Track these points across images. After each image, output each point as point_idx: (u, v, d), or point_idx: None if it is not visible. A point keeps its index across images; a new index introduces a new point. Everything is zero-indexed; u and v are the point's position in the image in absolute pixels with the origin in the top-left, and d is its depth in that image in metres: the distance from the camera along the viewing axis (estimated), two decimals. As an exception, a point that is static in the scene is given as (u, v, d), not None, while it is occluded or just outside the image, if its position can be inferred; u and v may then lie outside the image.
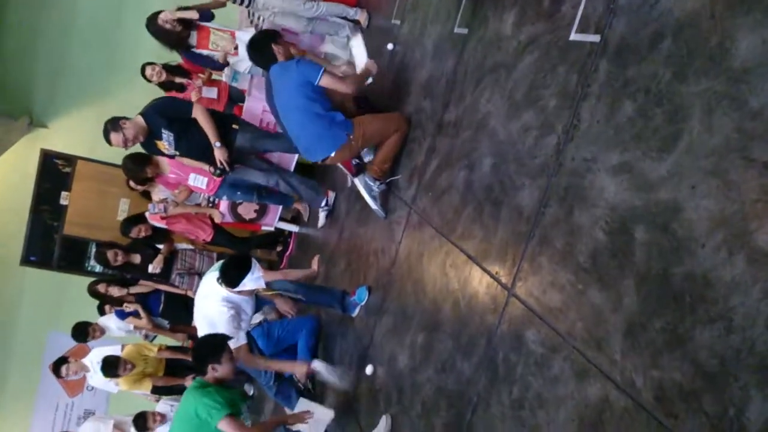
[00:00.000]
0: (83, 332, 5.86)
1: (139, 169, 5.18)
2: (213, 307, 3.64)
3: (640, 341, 1.85)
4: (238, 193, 5.27)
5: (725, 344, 1.60)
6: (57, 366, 5.88)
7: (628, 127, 2.07)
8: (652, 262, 1.87)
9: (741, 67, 1.72)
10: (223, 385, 3.34)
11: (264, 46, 3.80)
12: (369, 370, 3.65)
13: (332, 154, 3.74)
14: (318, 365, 3.88)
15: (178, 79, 5.65)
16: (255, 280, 3.54)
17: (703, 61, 1.84)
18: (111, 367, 5.36)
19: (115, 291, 5.66)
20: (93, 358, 5.89)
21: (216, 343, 3.31)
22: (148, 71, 5.61)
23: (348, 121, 3.70)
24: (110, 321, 5.95)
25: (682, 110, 1.87)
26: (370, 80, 4.11)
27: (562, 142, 2.39)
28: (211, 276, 3.75)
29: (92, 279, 6.94)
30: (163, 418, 5.37)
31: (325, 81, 3.60)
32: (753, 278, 1.56)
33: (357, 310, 4.02)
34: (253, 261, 3.61)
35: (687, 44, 1.92)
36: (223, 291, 3.64)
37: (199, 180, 5.07)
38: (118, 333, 6.12)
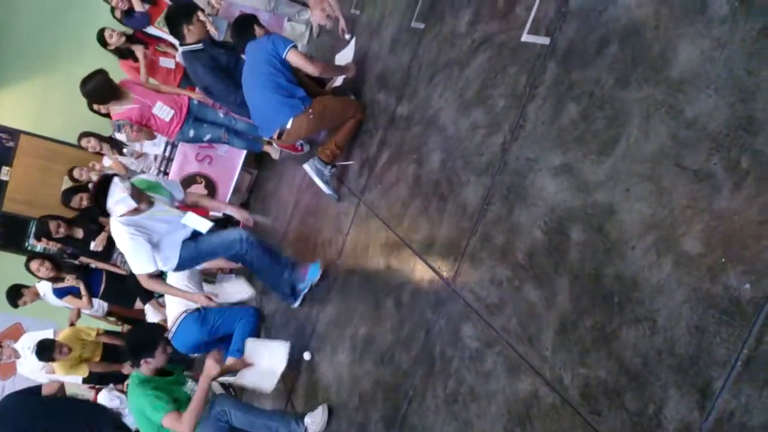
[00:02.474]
0: (16, 294, 5.62)
1: (98, 103, 4.95)
2: (120, 236, 3.43)
3: (570, 339, 1.89)
4: (205, 126, 4.94)
5: (649, 344, 1.65)
6: None
7: (570, 129, 2.11)
8: (586, 262, 1.91)
9: (679, 77, 1.77)
10: (160, 373, 3.33)
11: (247, 26, 3.88)
12: (307, 356, 3.64)
13: (288, 125, 3.67)
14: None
15: (134, 47, 5.48)
16: (121, 202, 3.25)
17: (645, 69, 1.89)
18: (46, 350, 5.17)
19: (44, 272, 5.41)
20: (25, 344, 5.68)
21: (148, 338, 3.28)
22: (107, 33, 5.41)
23: (308, 97, 3.70)
24: (48, 287, 5.73)
25: (622, 115, 1.92)
26: (340, 80, 4.14)
27: (508, 141, 2.42)
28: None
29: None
30: (120, 415, 5.25)
31: (291, 56, 3.63)
32: (678, 281, 1.62)
33: (300, 298, 3.96)
34: (113, 181, 3.29)
35: (631, 51, 1.96)
36: (115, 222, 3.42)
37: (165, 111, 4.84)
38: (54, 302, 5.91)
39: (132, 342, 3.29)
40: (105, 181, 3.30)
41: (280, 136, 3.79)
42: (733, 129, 1.59)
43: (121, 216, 3.32)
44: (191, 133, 4.96)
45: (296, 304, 3.97)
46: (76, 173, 6.02)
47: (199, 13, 4.18)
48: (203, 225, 3.57)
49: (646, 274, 1.70)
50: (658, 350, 1.62)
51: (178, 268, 3.58)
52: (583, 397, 1.81)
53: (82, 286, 5.50)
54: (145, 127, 4.80)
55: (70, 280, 5.49)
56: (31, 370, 5.78)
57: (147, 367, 3.29)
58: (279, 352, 3.65)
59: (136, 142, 5.39)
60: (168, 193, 3.69)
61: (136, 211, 3.34)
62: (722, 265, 1.52)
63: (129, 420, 5.30)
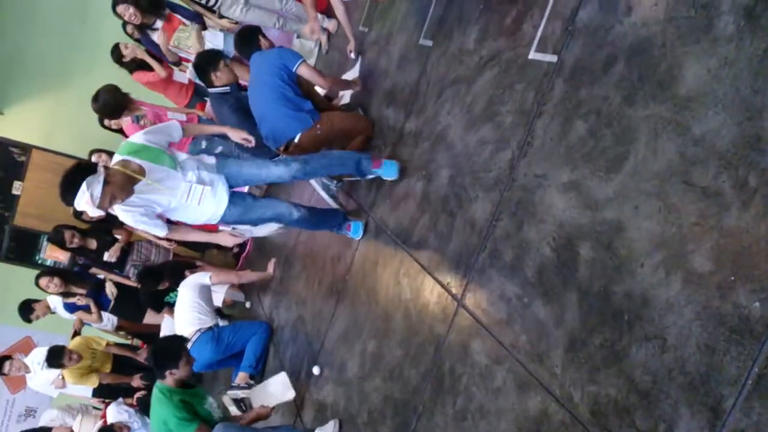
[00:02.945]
0: (28, 309, 5.67)
1: (109, 116, 4.92)
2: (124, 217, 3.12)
3: (580, 356, 1.89)
4: (216, 139, 4.88)
5: (659, 362, 1.65)
6: None
7: (578, 146, 2.12)
8: (595, 279, 1.91)
9: (686, 95, 1.79)
10: (184, 386, 3.37)
11: (252, 37, 3.91)
12: (316, 370, 3.64)
13: (296, 139, 3.68)
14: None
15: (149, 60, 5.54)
16: (86, 208, 2.81)
17: (652, 87, 1.90)
18: (56, 356, 5.21)
19: (53, 287, 5.46)
20: (34, 359, 5.73)
21: (173, 349, 3.28)
22: (122, 45, 5.46)
23: (316, 111, 3.70)
24: (59, 300, 5.77)
25: (630, 133, 1.93)
26: (348, 97, 4.17)
27: (516, 158, 2.43)
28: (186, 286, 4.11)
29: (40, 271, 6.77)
30: (128, 429, 5.26)
31: (302, 70, 3.64)
32: (687, 299, 1.62)
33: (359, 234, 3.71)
34: (81, 188, 2.75)
35: (638, 69, 1.98)
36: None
37: (177, 117, 4.91)
38: (65, 315, 5.95)
39: (157, 353, 3.29)
40: (80, 172, 2.80)
41: (287, 148, 3.79)
42: (740, 147, 1.60)
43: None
44: (203, 144, 5.03)
45: (359, 235, 3.66)
46: (94, 158, 5.97)
47: (223, 61, 4.22)
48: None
49: (656, 292, 1.70)
50: (668, 368, 1.62)
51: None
52: (593, 414, 1.80)
53: (92, 304, 5.54)
54: None
55: (80, 300, 5.53)
56: (41, 385, 5.82)
57: (172, 378, 3.29)
58: (281, 385, 3.65)
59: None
60: (162, 153, 3.09)
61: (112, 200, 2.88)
62: (731, 283, 1.52)
63: None
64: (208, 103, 5.09)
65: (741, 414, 1.44)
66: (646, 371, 1.67)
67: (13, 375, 5.90)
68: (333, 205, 3.99)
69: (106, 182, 2.78)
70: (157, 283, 5.10)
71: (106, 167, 2.87)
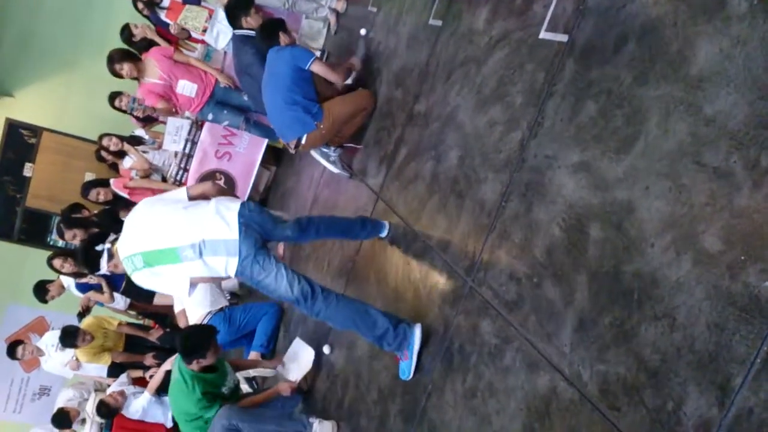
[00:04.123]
0: (43, 290, 5.74)
1: (120, 59, 4.90)
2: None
3: (589, 335, 1.90)
4: (225, 112, 5.12)
5: (668, 342, 1.66)
6: (12, 348, 5.76)
7: (589, 126, 2.12)
8: (604, 259, 1.92)
9: (698, 75, 1.78)
10: (208, 370, 3.44)
11: (273, 32, 3.94)
12: (326, 349, 3.69)
13: (303, 140, 3.86)
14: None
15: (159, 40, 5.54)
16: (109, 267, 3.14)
17: (664, 67, 1.89)
18: (69, 337, 5.28)
19: (67, 267, 5.53)
20: (48, 341, 5.80)
21: (200, 340, 3.32)
22: (132, 25, 5.44)
23: (320, 111, 3.80)
24: (72, 279, 5.83)
25: (641, 113, 1.92)
26: (350, 78, 4.19)
27: (526, 139, 2.43)
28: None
29: (53, 252, 6.83)
30: (123, 394, 5.32)
31: (315, 67, 3.74)
32: (697, 279, 1.62)
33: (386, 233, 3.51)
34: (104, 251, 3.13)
35: (649, 49, 1.97)
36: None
37: (188, 87, 4.93)
38: (78, 294, 6.02)
39: (185, 344, 3.31)
40: (93, 240, 3.21)
41: (296, 146, 3.95)
42: (752, 127, 1.59)
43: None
44: (210, 116, 5.08)
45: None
46: (105, 141, 6.03)
47: (255, 7, 4.32)
48: None
49: (666, 272, 1.71)
50: (677, 347, 1.63)
51: None
52: (602, 393, 1.82)
53: (104, 283, 5.59)
54: (166, 102, 4.93)
55: (92, 279, 5.58)
56: (55, 367, 5.90)
57: (198, 365, 3.35)
58: (300, 350, 3.76)
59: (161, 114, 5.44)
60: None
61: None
62: (742, 263, 1.53)
63: (133, 410, 5.37)
64: (228, 59, 5.07)
65: (749, 392, 1.46)
66: (655, 350, 1.69)
67: (26, 359, 5.97)
68: (335, 170, 4.11)
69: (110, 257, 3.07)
70: None
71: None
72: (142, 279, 2.88)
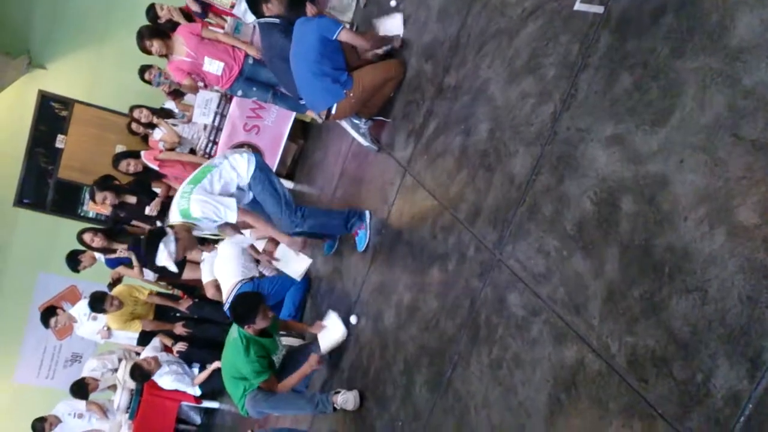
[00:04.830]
0: (75, 260, 5.88)
1: (150, 36, 4.95)
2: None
3: (618, 308, 1.91)
4: (254, 89, 5.17)
5: (699, 314, 1.66)
6: (46, 317, 5.89)
7: (623, 99, 2.10)
8: (636, 232, 1.91)
9: (738, 46, 1.75)
10: (264, 334, 3.60)
11: (300, 3, 3.96)
12: (353, 319, 3.74)
13: (333, 110, 3.89)
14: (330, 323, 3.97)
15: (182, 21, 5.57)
16: (167, 259, 3.43)
17: (702, 38, 1.86)
18: (98, 302, 5.40)
19: (97, 242, 5.65)
20: (80, 310, 5.94)
21: (249, 307, 3.45)
22: (158, 7, 5.48)
23: (349, 79, 3.81)
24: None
25: (678, 86, 1.90)
26: (385, 48, 4.18)
27: (559, 111, 2.41)
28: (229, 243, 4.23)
29: (84, 224, 6.99)
30: (156, 360, 5.46)
31: (343, 36, 3.74)
32: (730, 252, 1.62)
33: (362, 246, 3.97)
34: (162, 241, 3.40)
35: (687, 20, 1.93)
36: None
37: (215, 65, 4.97)
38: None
39: (236, 309, 3.48)
40: (155, 236, 3.43)
41: (327, 116, 3.97)
42: (793, 99, 1.57)
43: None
44: (239, 92, 5.11)
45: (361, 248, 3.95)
46: (135, 113, 6.14)
47: None
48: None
49: (699, 245, 1.70)
50: (708, 320, 1.63)
51: None
52: (630, 365, 1.83)
53: (133, 257, 5.69)
54: (193, 79, 4.97)
55: (122, 252, 5.69)
56: (88, 333, 6.05)
57: (251, 329, 3.51)
58: (334, 325, 3.86)
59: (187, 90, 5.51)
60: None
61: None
62: (777, 236, 1.52)
63: (164, 381, 5.50)
64: (257, 33, 5.08)
65: (781, 365, 1.45)
66: (686, 323, 1.69)
67: (59, 328, 6.12)
68: (364, 143, 4.13)
69: (176, 239, 3.42)
70: None
71: (171, 227, 3.50)
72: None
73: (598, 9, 2.32)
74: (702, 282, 1.67)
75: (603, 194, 2.08)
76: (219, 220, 3.54)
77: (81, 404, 6.22)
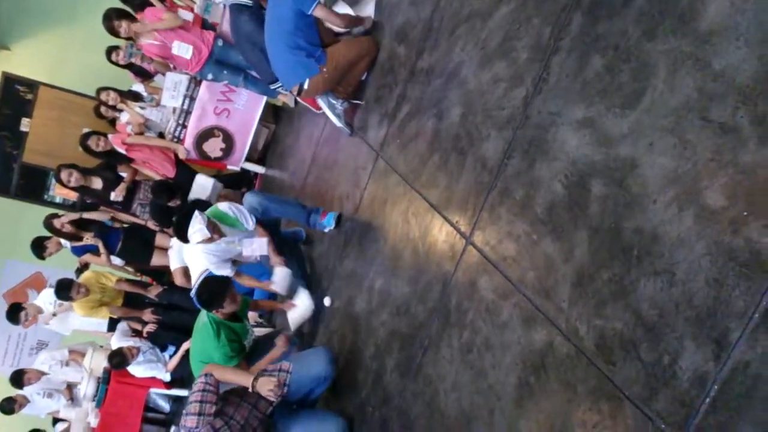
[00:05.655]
0: (41, 246, 5.74)
1: (118, 17, 4.85)
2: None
3: (587, 291, 1.91)
4: (225, 72, 5.11)
5: (666, 297, 1.67)
6: (13, 315, 5.75)
7: (595, 82, 2.09)
8: (606, 215, 1.91)
9: (708, 29, 1.74)
10: (233, 318, 3.51)
11: None
12: (327, 301, 3.71)
13: (305, 86, 3.84)
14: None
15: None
16: (198, 231, 3.51)
17: (673, 21, 1.86)
18: (64, 289, 5.29)
19: (67, 228, 5.54)
20: (46, 299, 5.82)
21: (216, 291, 3.34)
22: None
23: (323, 54, 3.78)
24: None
25: (648, 68, 1.89)
26: (356, 30, 4.13)
27: (530, 95, 2.40)
28: None
29: (50, 209, 6.82)
30: (139, 350, 5.36)
31: (318, 12, 3.69)
32: (698, 234, 1.62)
33: (327, 229, 4.02)
34: (195, 214, 3.56)
35: (659, 3, 1.93)
36: (196, 247, 3.70)
37: (183, 49, 4.88)
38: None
39: (202, 296, 3.35)
40: (188, 213, 3.59)
41: (299, 92, 3.90)
42: (761, 82, 1.57)
43: (197, 243, 3.61)
44: (209, 75, 5.03)
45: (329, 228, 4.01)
46: (103, 96, 6.01)
47: None
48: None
49: (667, 228, 1.71)
50: (675, 302, 1.64)
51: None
52: (598, 348, 1.83)
53: (100, 244, 5.58)
54: (163, 60, 4.87)
55: (88, 239, 5.57)
56: (54, 325, 5.94)
57: (220, 314, 3.41)
58: (304, 298, 3.85)
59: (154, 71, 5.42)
60: (238, 221, 3.81)
61: (209, 240, 3.59)
62: (744, 219, 1.52)
63: (137, 370, 5.42)
64: (227, 13, 4.99)
65: (746, 346, 1.46)
66: (653, 305, 1.69)
67: (30, 323, 5.98)
68: (338, 123, 4.11)
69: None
70: (170, 198, 5.30)
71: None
72: None
73: (571, -9, 2.31)
74: (670, 265, 1.67)
75: (573, 177, 2.08)
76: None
77: (50, 383, 6.11)
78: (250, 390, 2.94)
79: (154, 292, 5.86)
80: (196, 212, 3.59)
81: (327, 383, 3.23)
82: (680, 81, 1.78)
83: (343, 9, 4.24)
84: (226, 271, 3.77)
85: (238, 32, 4.38)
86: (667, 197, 1.73)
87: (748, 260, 1.49)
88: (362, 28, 4.10)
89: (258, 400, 2.98)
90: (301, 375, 3.13)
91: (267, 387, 2.91)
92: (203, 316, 3.47)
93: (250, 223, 3.84)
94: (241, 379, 2.99)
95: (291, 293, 3.93)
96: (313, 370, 3.20)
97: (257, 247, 3.69)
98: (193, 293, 3.96)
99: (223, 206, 3.87)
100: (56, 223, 5.49)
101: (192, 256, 4.03)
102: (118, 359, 5.26)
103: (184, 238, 3.60)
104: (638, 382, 1.69)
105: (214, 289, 3.34)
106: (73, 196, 6.06)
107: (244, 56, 4.70)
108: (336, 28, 3.94)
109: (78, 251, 5.84)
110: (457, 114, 2.90)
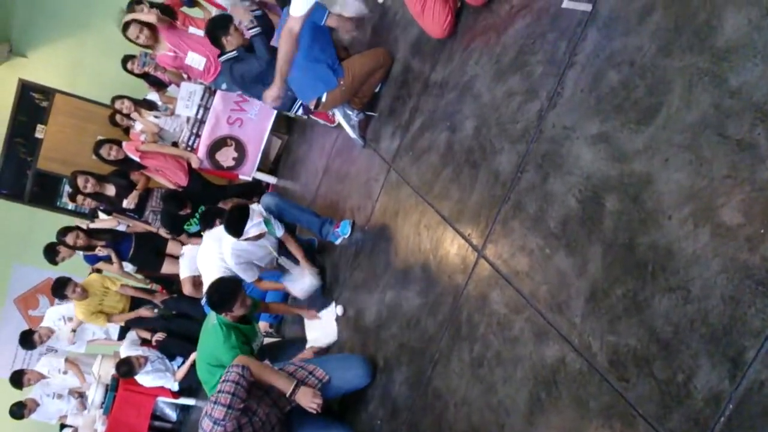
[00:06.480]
0: (54, 252, 5.78)
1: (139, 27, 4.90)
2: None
3: (601, 307, 1.90)
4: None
5: (681, 314, 1.65)
6: (27, 340, 5.84)
7: (610, 97, 2.09)
8: (620, 231, 1.90)
9: (725, 46, 1.74)
10: (243, 320, 3.47)
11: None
12: (340, 310, 3.69)
13: (323, 99, 3.85)
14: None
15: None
16: (256, 225, 3.58)
17: (689, 37, 1.86)
18: (60, 287, 5.32)
19: (80, 243, 5.58)
20: (54, 315, 5.88)
21: (227, 294, 3.30)
22: (138, 8, 5.40)
23: (340, 67, 3.80)
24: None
25: (664, 84, 1.89)
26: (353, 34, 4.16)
27: (545, 109, 2.40)
28: (211, 237, 4.06)
29: (61, 215, 6.87)
30: (147, 360, 5.37)
31: (331, 21, 3.73)
32: (714, 252, 1.61)
33: (339, 241, 4.01)
34: (251, 208, 3.66)
35: (675, 19, 1.93)
36: (229, 244, 3.74)
37: (197, 60, 4.91)
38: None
39: (212, 298, 3.32)
40: (244, 208, 3.66)
41: (316, 106, 3.93)
42: (779, 99, 1.56)
43: (240, 241, 3.67)
44: (224, 86, 5.05)
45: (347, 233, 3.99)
46: (117, 104, 6.04)
47: (233, 25, 4.16)
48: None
49: (682, 244, 1.69)
50: (690, 319, 1.62)
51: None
52: (611, 364, 1.82)
53: (112, 254, 5.61)
54: (177, 71, 4.91)
55: (101, 250, 5.61)
56: (64, 343, 5.99)
57: (230, 316, 3.36)
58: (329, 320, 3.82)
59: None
60: (273, 228, 3.84)
61: (259, 236, 3.67)
62: (761, 236, 1.51)
63: (145, 379, 5.42)
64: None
65: (762, 366, 1.45)
66: (668, 322, 1.68)
67: (44, 341, 6.03)
68: (352, 134, 4.12)
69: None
70: (180, 206, 5.34)
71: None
72: None
73: (586, 6, 2.32)
74: (685, 281, 1.66)
75: (588, 192, 2.07)
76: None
77: (58, 386, 6.13)
78: (288, 396, 2.91)
79: (160, 298, 5.88)
80: (254, 207, 3.68)
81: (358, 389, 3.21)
82: (697, 97, 1.78)
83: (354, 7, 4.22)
84: (252, 275, 3.81)
85: (241, 81, 4.31)
86: (682, 214, 1.72)
87: (764, 278, 1.48)
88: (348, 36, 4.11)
89: (280, 397, 2.96)
90: (340, 383, 3.10)
91: (309, 398, 2.88)
92: (212, 318, 3.43)
93: (280, 230, 3.90)
94: (281, 382, 2.95)
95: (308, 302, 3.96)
96: (354, 381, 3.14)
97: (308, 286, 3.84)
98: (203, 301, 3.96)
99: (258, 208, 3.90)
100: (69, 239, 5.53)
101: (210, 262, 4.04)
102: (126, 368, 5.27)
103: (237, 232, 3.59)
104: (652, 399, 1.67)
105: (225, 291, 3.31)
106: (88, 203, 6.08)
107: (257, 96, 4.68)
108: (347, 36, 3.93)
109: (91, 260, 5.88)
110: (470, 127, 2.90)
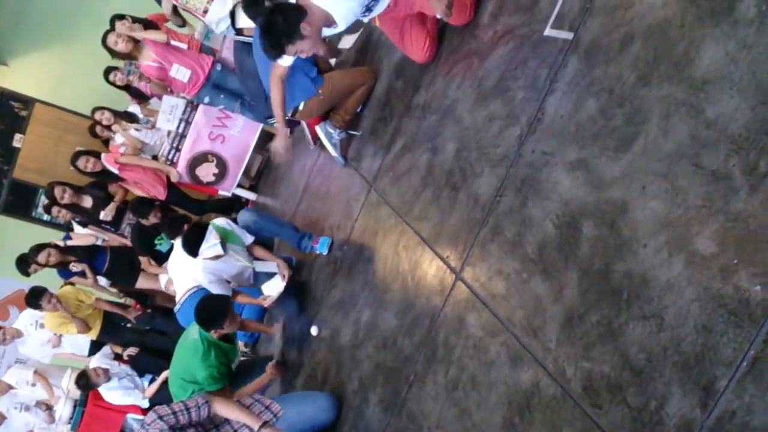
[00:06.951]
0: (26, 263, 5.65)
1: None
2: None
3: (576, 332, 1.90)
4: (221, 96, 5.10)
5: (654, 341, 1.66)
6: None
7: (588, 125, 2.11)
8: (596, 257, 1.91)
9: (702, 77, 1.77)
10: (224, 339, 3.40)
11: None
12: (314, 330, 3.65)
13: (300, 107, 3.84)
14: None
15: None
16: (212, 247, 3.53)
17: (668, 68, 1.89)
18: (35, 297, 5.19)
19: (52, 260, 5.46)
20: (26, 320, 5.74)
21: (217, 311, 3.23)
22: (119, 23, 5.38)
23: (319, 76, 3.81)
24: None
25: (642, 113, 1.92)
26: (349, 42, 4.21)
27: (525, 134, 2.42)
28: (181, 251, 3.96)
29: (36, 225, 6.75)
30: (106, 372, 5.25)
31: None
32: (688, 280, 1.62)
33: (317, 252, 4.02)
34: (209, 228, 3.64)
35: (654, 50, 1.96)
36: (197, 262, 3.70)
37: (182, 72, 4.89)
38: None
39: (201, 315, 3.23)
40: (202, 227, 3.68)
41: (293, 114, 3.92)
42: (753, 132, 1.59)
43: (204, 259, 3.66)
44: (206, 99, 5.04)
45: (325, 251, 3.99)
46: (97, 115, 5.99)
47: None
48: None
49: (657, 272, 1.71)
50: (663, 347, 1.63)
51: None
52: (585, 390, 1.81)
53: (87, 269, 5.52)
54: (160, 82, 4.91)
55: (75, 266, 5.50)
56: (32, 351, 5.84)
57: (217, 333, 3.28)
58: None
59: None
60: (239, 239, 3.89)
61: (219, 257, 3.66)
62: (734, 266, 1.52)
63: (112, 396, 5.31)
64: (227, 42, 5.03)
65: (733, 395, 1.45)
66: (641, 349, 1.68)
67: (7, 344, 5.88)
68: (333, 153, 4.13)
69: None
70: (148, 211, 5.15)
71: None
72: None
73: (568, 35, 2.35)
74: (659, 309, 1.67)
75: (565, 218, 2.08)
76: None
77: (25, 398, 5.97)
78: None
79: (133, 314, 5.78)
80: (210, 227, 3.65)
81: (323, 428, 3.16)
82: (674, 127, 1.80)
83: (349, 42, 4.28)
84: (224, 290, 3.74)
85: (243, 70, 4.38)
86: (657, 242, 1.73)
87: (737, 308, 1.49)
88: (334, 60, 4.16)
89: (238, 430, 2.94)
90: (302, 418, 3.08)
91: None
92: (193, 333, 3.31)
93: (248, 239, 3.89)
94: (248, 420, 2.96)
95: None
96: (317, 417, 3.11)
97: (275, 286, 3.80)
98: (176, 309, 3.88)
99: (221, 222, 3.91)
100: (41, 258, 5.41)
101: (183, 271, 3.99)
102: (84, 381, 5.17)
103: (193, 252, 3.57)
104: (624, 426, 1.67)
105: (215, 308, 3.23)
106: (64, 215, 5.97)
107: (248, 92, 4.71)
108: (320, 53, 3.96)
109: (65, 275, 5.77)
110: (451, 150, 2.91)
